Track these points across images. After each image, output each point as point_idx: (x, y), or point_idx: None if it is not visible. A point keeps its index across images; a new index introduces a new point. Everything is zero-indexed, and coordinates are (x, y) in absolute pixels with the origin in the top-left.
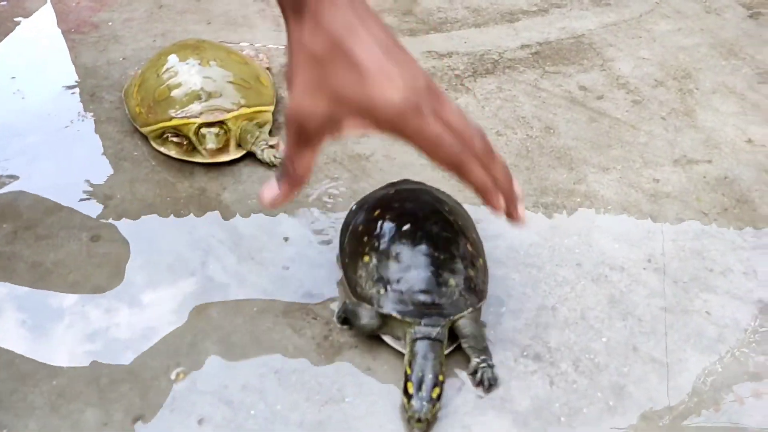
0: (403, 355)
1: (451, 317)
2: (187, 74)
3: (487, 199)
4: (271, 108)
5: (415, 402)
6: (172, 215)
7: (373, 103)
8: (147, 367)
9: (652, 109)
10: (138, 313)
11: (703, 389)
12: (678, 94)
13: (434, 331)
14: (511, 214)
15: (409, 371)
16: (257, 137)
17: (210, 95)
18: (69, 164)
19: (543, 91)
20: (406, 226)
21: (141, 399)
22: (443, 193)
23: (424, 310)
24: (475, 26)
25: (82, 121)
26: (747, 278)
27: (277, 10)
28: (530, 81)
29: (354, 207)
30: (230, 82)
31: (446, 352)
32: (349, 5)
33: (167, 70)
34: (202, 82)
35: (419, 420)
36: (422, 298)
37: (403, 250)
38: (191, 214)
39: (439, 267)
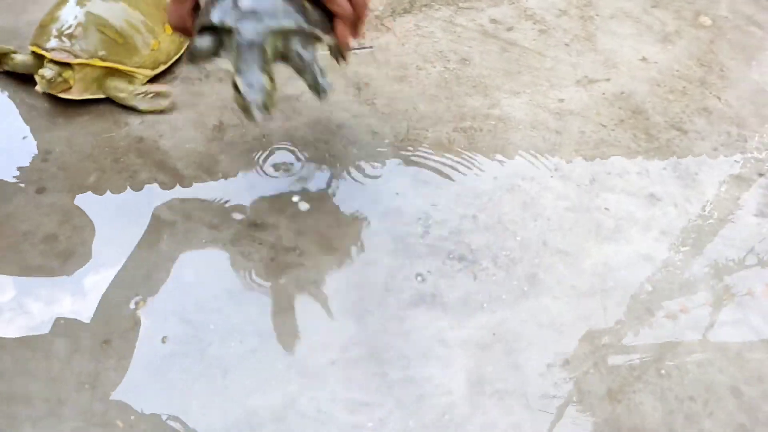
0: None
1: (272, 25)
2: (72, 7)
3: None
4: (143, 72)
5: (242, 88)
6: (112, 162)
7: None
8: (107, 299)
9: (556, 37)
10: (91, 254)
11: (598, 271)
12: (580, 21)
13: (253, 36)
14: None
15: (235, 72)
16: (130, 92)
17: (71, 36)
18: (3, 123)
19: (458, 26)
20: None
21: (106, 325)
22: None
23: (245, 16)
24: None
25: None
26: (640, 177)
27: None
28: (445, 17)
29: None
30: (101, 30)
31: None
32: None
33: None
34: (74, 20)
35: (254, 103)
36: (244, 4)
37: None
38: (131, 162)
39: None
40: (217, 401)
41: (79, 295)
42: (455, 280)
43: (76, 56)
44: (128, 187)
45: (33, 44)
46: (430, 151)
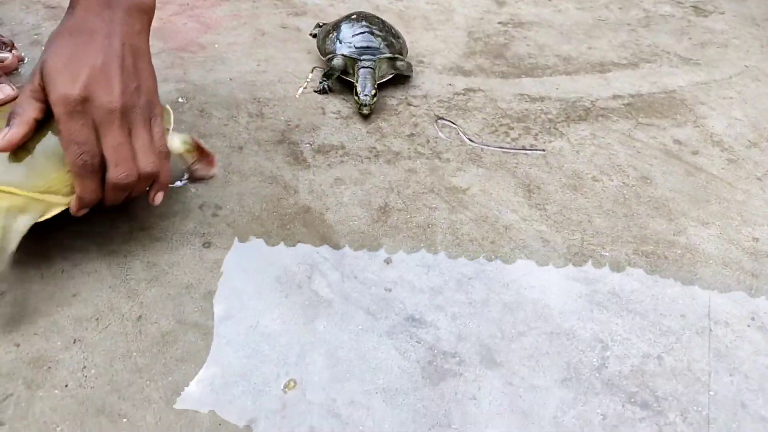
0: None
1: (380, 56)
2: None
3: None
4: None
5: (360, 96)
6: (278, 228)
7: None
8: (258, 372)
9: (747, 169)
10: (248, 319)
11: None
12: None
13: (369, 63)
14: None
15: (356, 84)
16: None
17: None
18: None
19: (637, 141)
20: (353, 16)
21: (253, 403)
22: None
23: (363, 51)
24: (566, 74)
25: (196, 136)
26: None
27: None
28: (624, 130)
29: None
30: None
31: (384, 80)
32: (98, 13)
33: None
34: None
35: (365, 104)
36: (362, 43)
37: (351, 27)
38: (296, 230)
39: (372, 32)
40: None
41: (230, 363)
42: (636, 429)
43: None
44: (290, 256)
45: None
46: (608, 271)
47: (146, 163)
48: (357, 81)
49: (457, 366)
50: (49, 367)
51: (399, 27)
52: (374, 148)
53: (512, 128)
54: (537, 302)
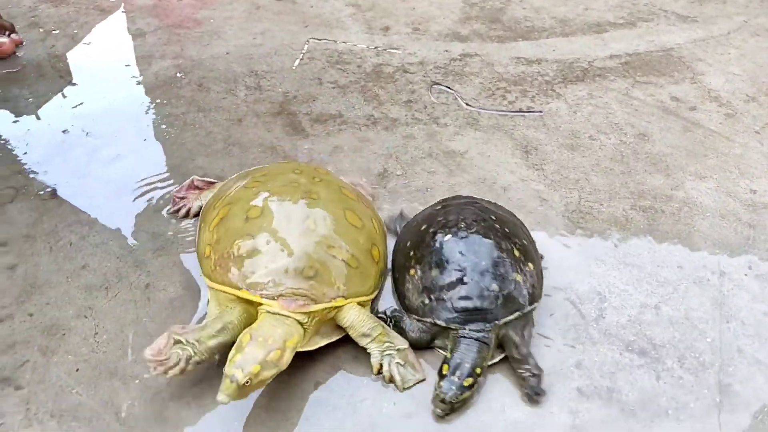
0: None
1: (497, 322)
2: (282, 231)
3: None
4: (372, 296)
5: (445, 383)
6: None
7: None
8: None
9: (745, 123)
10: None
11: None
12: None
13: (478, 335)
14: None
15: (448, 356)
16: (378, 335)
17: (301, 272)
18: (178, 148)
19: (635, 99)
20: (447, 237)
21: None
22: (494, 204)
23: (468, 317)
24: (562, 35)
25: (195, 110)
26: None
27: (369, 13)
28: (621, 89)
29: (403, 226)
30: (335, 255)
31: (494, 361)
32: None
33: (261, 215)
34: (298, 251)
35: (443, 401)
36: (465, 304)
37: (446, 260)
38: None
39: (482, 273)
40: None
41: None
42: (634, 377)
43: (316, 301)
44: None
45: (230, 284)
46: (606, 226)
47: None
48: (450, 352)
49: None
50: (63, 335)
51: None
52: (372, 115)
53: (509, 91)
54: None
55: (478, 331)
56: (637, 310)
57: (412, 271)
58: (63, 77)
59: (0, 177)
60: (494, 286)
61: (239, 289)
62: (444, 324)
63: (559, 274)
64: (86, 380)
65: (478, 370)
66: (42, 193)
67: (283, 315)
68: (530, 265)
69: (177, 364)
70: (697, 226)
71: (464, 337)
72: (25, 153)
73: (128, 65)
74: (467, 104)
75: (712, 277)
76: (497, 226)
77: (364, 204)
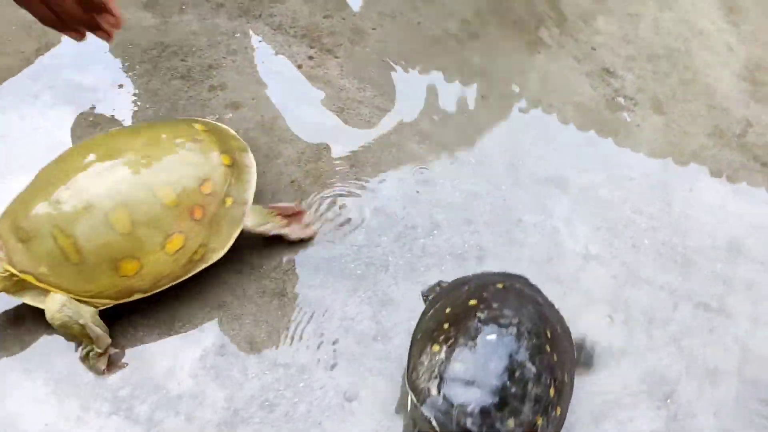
0: None
1: None
2: (64, 193)
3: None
4: (97, 301)
5: None
6: None
7: None
8: None
9: None
10: None
11: None
12: None
13: None
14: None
15: None
16: (77, 327)
17: (17, 229)
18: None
19: None
20: (492, 336)
21: None
22: (557, 311)
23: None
24: None
25: None
26: None
27: None
28: None
29: (452, 281)
30: (56, 238)
31: None
32: None
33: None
34: (33, 214)
35: None
36: (469, 424)
37: (476, 361)
38: None
39: (505, 399)
40: None
41: None
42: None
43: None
44: None
45: None
46: None
47: None
48: None
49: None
50: None
51: None
52: None
53: None
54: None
55: None
56: None
57: (435, 347)
58: None
59: None
60: (510, 423)
61: None
62: (437, 429)
63: (722, 98)
64: None
65: None
66: None
67: None
68: (558, 409)
69: None
70: None
71: None
72: None
73: None
74: None
75: None
76: (548, 348)
77: (190, 216)
